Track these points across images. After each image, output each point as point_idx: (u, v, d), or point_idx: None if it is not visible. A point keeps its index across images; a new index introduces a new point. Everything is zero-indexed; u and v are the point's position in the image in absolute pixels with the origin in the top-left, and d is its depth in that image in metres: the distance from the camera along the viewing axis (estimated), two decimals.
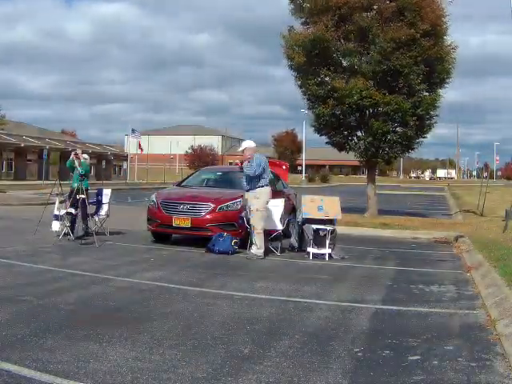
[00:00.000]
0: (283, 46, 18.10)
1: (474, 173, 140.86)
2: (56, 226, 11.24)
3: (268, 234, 10.49)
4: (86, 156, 12.30)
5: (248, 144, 10.22)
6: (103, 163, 54.86)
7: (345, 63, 18.20)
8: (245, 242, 10.39)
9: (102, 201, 12.36)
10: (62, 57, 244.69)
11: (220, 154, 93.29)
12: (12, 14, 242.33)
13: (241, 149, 10.31)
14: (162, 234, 11.51)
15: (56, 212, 11.38)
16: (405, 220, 17.69)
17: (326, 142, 19.28)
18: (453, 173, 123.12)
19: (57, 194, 11.72)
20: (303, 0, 18.05)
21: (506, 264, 8.13)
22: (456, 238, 13.24)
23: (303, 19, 18.23)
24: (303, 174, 72.77)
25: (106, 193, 12.61)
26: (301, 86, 18.24)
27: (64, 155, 57.54)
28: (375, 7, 17.11)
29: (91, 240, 10.81)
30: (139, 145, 62.01)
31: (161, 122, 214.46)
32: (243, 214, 10.48)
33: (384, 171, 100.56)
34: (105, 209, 12.24)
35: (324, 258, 9.86)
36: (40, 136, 57.64)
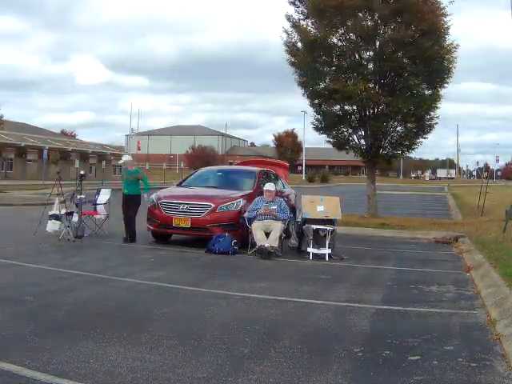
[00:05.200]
0: (285, 41, 18.10)
1: (474, 173, 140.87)
2: (52, 226, 11.19)
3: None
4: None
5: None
6: (103, 163, 54.82)
7: (345, 64, 18.20)
8: (245, 242, 10.40)
9: (101, 201, 12.38)
10: None
11: (220, 153, 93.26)
12: None
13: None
14: (162, 234, 11.50)
15: (54, 212, 11.36)
16: (405, 220, 17.69)
17: (327, 141, 19.28)
18: (453, 173, 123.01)
19: (57, 194, 11.72)
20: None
21: (505, 264, 8.13)
22: (456, 238, 13.24)
23: (302, 15, 18.21)
24: (303, 174, 72.72)
25: (106, 192, 12.62)
26: (302, 85, 18.23)
27: (64, 155, 57.69)
28: (374, 8, 17.09)
29: (91, 240, 10.81)
30: (138, 145, 62.39)
31: (161, 122, 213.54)
32: (245, 214, 10.49)
33: (384, 171, 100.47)
34: (104, 209, 12.24)
35: (324, 258, 9.86)
36: (40, 136, 57.67)
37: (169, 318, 5.56)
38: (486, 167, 61.01)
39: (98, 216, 12.14)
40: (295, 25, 17.93)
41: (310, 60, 17.40)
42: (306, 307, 6.25)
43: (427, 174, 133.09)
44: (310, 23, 17.98)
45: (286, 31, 18.03)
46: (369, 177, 19.97)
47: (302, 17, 18.18)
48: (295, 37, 17.91)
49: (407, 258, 10.71)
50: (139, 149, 63.76)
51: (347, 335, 5.13)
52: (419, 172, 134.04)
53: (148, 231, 11.54)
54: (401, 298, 6.92)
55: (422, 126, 18.02)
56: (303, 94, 18.44)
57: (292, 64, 18.10)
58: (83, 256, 9.55)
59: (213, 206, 10.72)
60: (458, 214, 22.87)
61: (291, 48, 17.91)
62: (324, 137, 19.03)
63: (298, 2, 18.10)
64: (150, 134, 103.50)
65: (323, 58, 17.68)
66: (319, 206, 10.58)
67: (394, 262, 9.97)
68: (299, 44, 17.85)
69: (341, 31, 17.39)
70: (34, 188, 31.59)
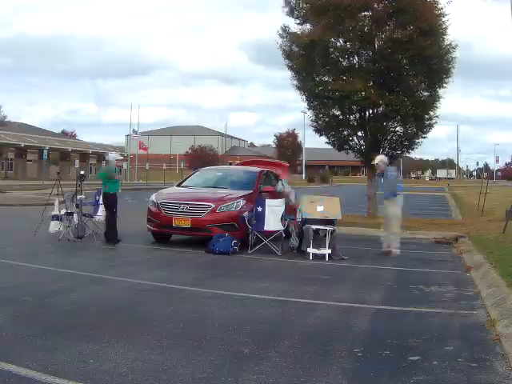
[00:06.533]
0: (282, 46, 18.10)
1: (474, 173, 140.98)
2: (54, 226, 11.21)
3: (268, 235, 10.49)
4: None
5: (384, 159, 11.45)
6: (103, 163, 54.84)
7: (344, 63, 18.21)
8: (245, 242, 10.39)
9: (101, 201, 12.34)
10: None
11: (220, 154, 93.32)
12: None
13: (375, 162, 11.40)
14: (162, 235, 11.50)
15: (55, 212, 11.37)
16: (405, 220, 17.66)
17: (326, 142, 19.28)
18: (453, 173, 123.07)
19: (56, 195, 11.71)
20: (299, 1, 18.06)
21: (505, 264, 8.13)
22: (456, 239, 13.23)
23: (299, 20, 18.22)
24: (303, 174, 72.74)
25: None
26: (299, 87, 18.24)
27: (64, 155, 57.72)
28: (374, 7, 17.10)
29: (91, 240, 10.81)
30: (140, 144, 62.49)
31: (160, 121, 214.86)
32: (245, 214, 10.48)
33: None
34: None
35: (324, 259, 9.85)
36: (40, 136, 57.70)
37: (169, 318, 5.55)
38: (486, 168, 60.98)
39: (98, 216, 12.11)
40: (291, 32, 17.94)
41: (307, 63, 17.40)
42: (306, 307, 6.25)
43: (427, 174, 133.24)
44: (307, 28, 18.00)
45: (281, 35, 18.05)
46: (369, 177, 19.95)
47: (298, 21, 18.21)
48: (290, 42, 17.92)
49: (407, 258, 10.70)
50: (143, 148, 63.74)
51: (347, 335, 5.13)
52: (419, 172, 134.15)
53: (148, 232, 11.53)
54: (401, 298, 6.92)
55: (422, 126, 18.04)
56: (302, 99, 18.48)
57: (290, 68, 18.11)
58: (83, 256, 9.55)
59: (213, 206, 10.72)
60: (457, 215, 22.86)
61: (287, 52, 17.91)
62: (324, 138, 19.06)
63: (294, 10, 18.12)
64: (150, 134, 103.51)
65: (321, 59, 17.69)
66: (319, 206, 10.58)
67: (394, 263, 9.96)
68: (295, 48, 17.86)
69: (339, 31, 17.38)
70: (34, 188, 31.60)
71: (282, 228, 10.54)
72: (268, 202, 10.81)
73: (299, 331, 5.21)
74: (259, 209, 10.69)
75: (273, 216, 10.60)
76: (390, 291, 7.37)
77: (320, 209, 10.51)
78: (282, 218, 10.66)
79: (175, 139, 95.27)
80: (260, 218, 10.62)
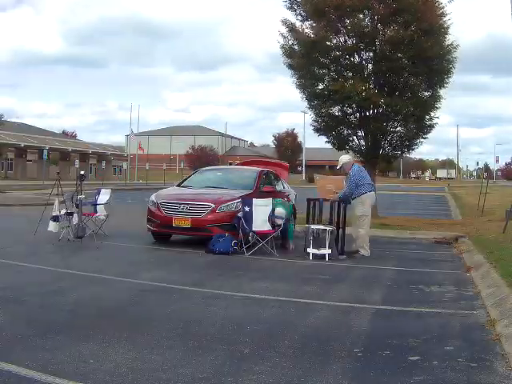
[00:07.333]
0: (282, 44, 18.07)
1: (474, 173, 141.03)
2: (53, 226, 11.19)
3: (263, 235, 10.43)
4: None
5: (344, 159, 10.72)
6: (103, 163, 54.87)
7: (344, 63, 18.19)
8: (244, 242, 10.37)
9: (101, 201, 12.36)
10: None
11: (220, 154, 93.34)
12: None
13: (338, 166, 10.72)
14: (162, 235, 11.50)
15: (55, 213, 11.36)
16: (405, 220, 17.67)
17: (326, 141, 19.26)
18: (453, 173, 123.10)
19: (56, 195, 11.71)
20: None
21: (505, 264, 8.14)
22: (456, 239, 13.22)
23: (300, 16, 18.16)
24: (303, 174, 72.75)
25: (106, 193, 12.61)
26: (300, 86, 18.22)
27: (64, 155, 57.75)
28: (375, 7, 17.09)
29: (91, 240, 10.81)
30: (139, 145, 62.71)
31: (160, 121, 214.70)
32: (240, 214, 10.44)
33: (384, 171, 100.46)
34: (104, 209, 12.23)
35: (324, 259, 9.85)
36: (40, 136, 57.74)
37: (169, 318, 5.55)
38: (486, 167, 60.96)
39: (98, 216, 12.12)
40: (292, 29, 17.86)
41: (307, 62, 17.39)
42: (306, 307, 6.25)
43: (427, 174, 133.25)
44: (307, 25, 17.96)
45: (282, 34, 18.00)
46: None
47: (299, 18, 18.15)
48: (292, 40, 17.87)
49: (407, 258, 10.70)
50: (142, 150, 64.18)
51: (347, 335, 5.13)
52: (419, 172, 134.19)
53: (148, 232, 11.52)
54: (401, 298, 6.92)
55: (422, 126, 18.03)
56: (302, 98, 18.45)
57: (290, 67, 18.08)
58: (83, 256, 9.55)
59: (213, 206, 10.71)
60: (457, 215, 22.86)
61: (288, 51, 17.88)
62: (324, 137, 19.04)
63: (295, 6, 18.05)
64: (150, 134, 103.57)
65: (321, 59, 17.67)
66: None
67: (394, 263, 9.96)
68: (296, 47, 17.82)
69: (340, 31, 17.38)
70: (34, 188, 31.60)
71: (270, 228, 10.45)
72: (255, 201, 10.55)
73: (299, 331, 5.21)
74: (246, 208, 10.41)
75: (260, 216, 10.44)
76: (389, 291, 7.37)
77: None
78: (270, 218, 10.55)
79: (175, 139, 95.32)
80: (248, 218, 10.35)
